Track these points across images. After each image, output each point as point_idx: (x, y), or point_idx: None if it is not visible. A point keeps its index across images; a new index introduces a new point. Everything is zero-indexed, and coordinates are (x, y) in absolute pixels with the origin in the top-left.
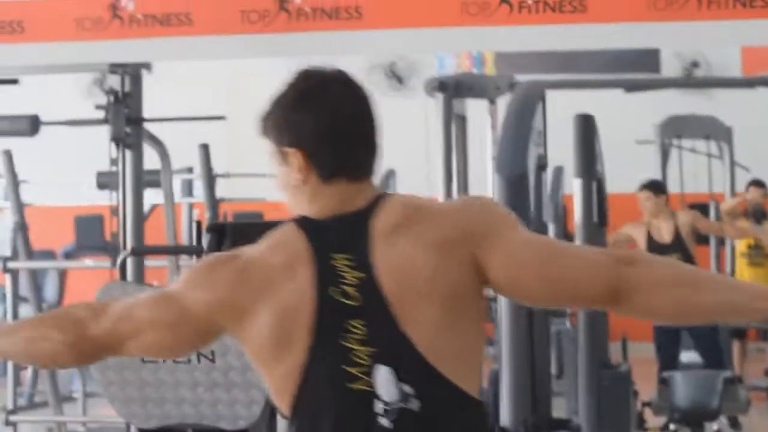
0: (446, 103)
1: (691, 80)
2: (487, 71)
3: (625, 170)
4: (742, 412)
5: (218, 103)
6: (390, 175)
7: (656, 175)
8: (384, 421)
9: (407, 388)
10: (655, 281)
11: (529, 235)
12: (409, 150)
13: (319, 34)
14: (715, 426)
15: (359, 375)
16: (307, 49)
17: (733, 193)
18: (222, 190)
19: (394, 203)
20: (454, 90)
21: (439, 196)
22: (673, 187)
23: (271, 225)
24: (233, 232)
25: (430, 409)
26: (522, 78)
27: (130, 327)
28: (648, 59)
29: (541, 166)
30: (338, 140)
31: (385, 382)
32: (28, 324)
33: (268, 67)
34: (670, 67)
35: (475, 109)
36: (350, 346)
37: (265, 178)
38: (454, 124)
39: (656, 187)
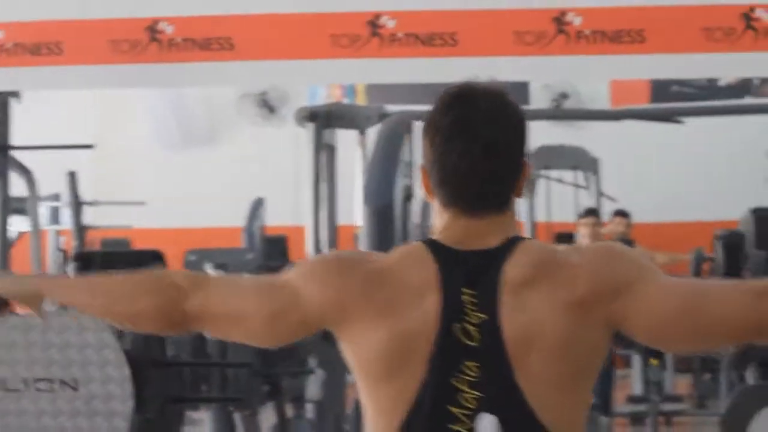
0: (316, 133)
1: (559, 112)
2: (358, 101)
3: None
4: None
5: (87, 131)
6: (259, 203)
7: (524, 204)
8: None
9: None
10: None
11: (669, 284)
12: (278, 178)
13: (190, 65)
14: None
15: (462, 418)
16: (178, 79)
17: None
18: (89, 217)
19: (529, 251)
20: (324, 120)
21: (307, 224)
22: (540, 216)
23: (138, 254)
24: (100, 260)
25: None
26: (393, 109)
27: (231, 309)
28: (517, 91)
29: (408, 197)
30: (460, 174)
31: (489, 430)
32: (117, 282)
33: (137, 97)
34: (539, 99)
35: (345, 139)
36: (460, 387)
37: (132, 206)
38: (324, 154)
39: (598, 214)
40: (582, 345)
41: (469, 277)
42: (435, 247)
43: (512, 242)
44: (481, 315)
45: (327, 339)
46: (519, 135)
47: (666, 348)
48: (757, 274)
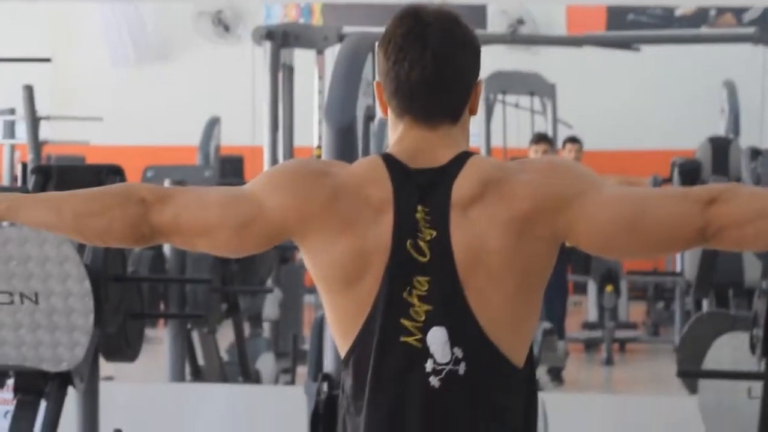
0: (273, 52)
1: (516, 36)
2: (314, 22)
3: None
4: (561, 363)
5: (43, 44)
6: (215, 122)
7: (480, 130)
8: (433, 381)
9: (458, 351)
10: (742, 218)
11: (612, 194)
12: (234, 98)
13: None
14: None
15: (413, 331)
16: None
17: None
18: (45, 132)
19: (477, 168)
20: (281, 39)
21: (265, 144)
22: (496, 142)
23: (97, 168)
24: (59, 174)
25: (476, 375)
26: (350, 29)
27: (198, 222)
28: (475, 16)
29: (370, 117)
30: (412, 82)
31: (439, 342)
32: (80, 197)
33: (92, 12)
34: (495, 24)
35: (303, 58)
36: (411, 301)
37: (88, 122)
38: (281, 74)
39: (550, 139)
40: (526, 259)
41: (422, 195)
42: (390, 163)
43: (462, 158)
44: (432, 231)
45: (284, 260)
46: (470, 51)
47: (612, 256)
48: None
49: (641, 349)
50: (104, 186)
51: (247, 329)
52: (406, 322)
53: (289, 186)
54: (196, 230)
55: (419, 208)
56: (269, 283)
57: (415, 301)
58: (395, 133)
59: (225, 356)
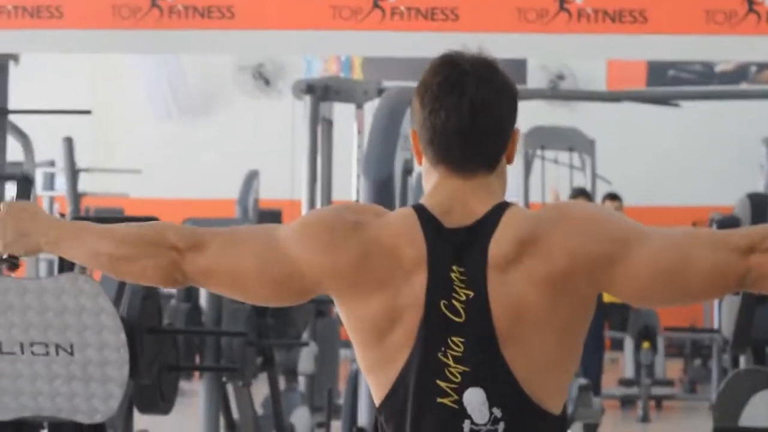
0: (313, 106)
1: (556, 92)
2: (354, 76)
3: None
4: (596, 419)
5: (84, 97)
6: (254, 176)
7: (519, 185)
8: None
9: (497, 411)
10: None
11: (651, 249)
12: (274, 152)
13: (190, 33)
14: None
15: (449, 392)
16: (177, 46)
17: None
18: (84, 184)
19: (513, 224)
20: (321, 93)
21: (303, 198)
22: (535, 197)
23: (134, 220)
24: None
25: (515, 430)
26: (389, 84)
27: (232, 275)
28: (515, 71)
29: (408, 171)
30: (448, 130)
31: (477, 403)
32: (116, 241)
33: (134, 64)
34: (535, 79)
35: (342, 113)
36: (446, 361)
37: (128, 174)
38: (321, 127)
39: (588, 194)
40: (566, 313)
41: (457, 254)
42: (424, 218)
43: (498, 211)
44: (469, 292)
45: (321, 314)
46: (507, 98)
47: (649, 306)
48: None
49: (678, 406)
50: (140, 226)
51: (282, 383)
52: (441, 383)
53: (322, 242)
54: (229, 282)
55: (454, 268)
56: (305, 336)
57: (451, 362)
58: (429, 182)
59: (260, 410)
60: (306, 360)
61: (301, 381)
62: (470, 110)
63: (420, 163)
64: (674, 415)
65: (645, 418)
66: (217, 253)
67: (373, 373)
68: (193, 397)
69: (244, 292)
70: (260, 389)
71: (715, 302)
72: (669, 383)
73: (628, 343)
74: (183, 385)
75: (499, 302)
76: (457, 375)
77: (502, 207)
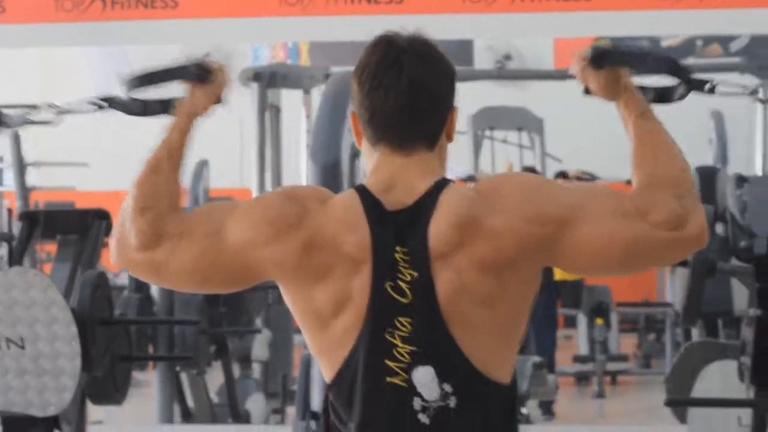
0: (261, 93)
1: (503, 72)
2: (302, 62)
3: None
4: (551, 396)
5: (30, 91)
6: (203, 165)
7: (469, 165)
8: (423, 418)
9: (447, 387)
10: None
11: (585, 224)
12: (222, 140)
13: (134, 23)
14: (525, 410)
15: (398, 371)
16: (122, 38)
17: None
18: (32, 178)
19: (451, 207)
20: (268, 80)
21: (253, 186)
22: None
23: (83, 213)
24: (45, 219)
25: (467, 405)
26: (337, 69)
27: (178, 271)
28: (461, 53)
29: (355, 155)
30: (387, 108)
31: (426, 381)
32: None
33: (81, 57)
34: (483, 60)
35: (290, 99)
36: (394, 341)
37: (75, 169)
38: (269, 114)
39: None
40: (511, 294)
41: (400, 235)
42: (367, 201)
43: (436, 190)
44: (413, 272)
45: (273, 302)
46: (445, 76)
47: (594, 276)
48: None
49: (633, 381)
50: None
51: (236, 370)
52: (390, 363)
53: (265, 235)
54: (176, 280)
55: (398, 249)
56: (258, 323)
57: (398, 342)
58: (370, 162)
59: (215, 398)
60: (260, 347)
61: (256, 368)
62: (409, 88)
63: (360, 144)
64: (629, 390)
65: (600, 394)
66: (170, 249)
67: (323, 356)
68: (148, 387)
69: (193, 281)
70: (215, 377)
71: (668, 276)
72: (623, 358)
73: (582, 319)
74: (138, 375)
75: (444, 282)
76: (406, 354)
77: (441, 185)
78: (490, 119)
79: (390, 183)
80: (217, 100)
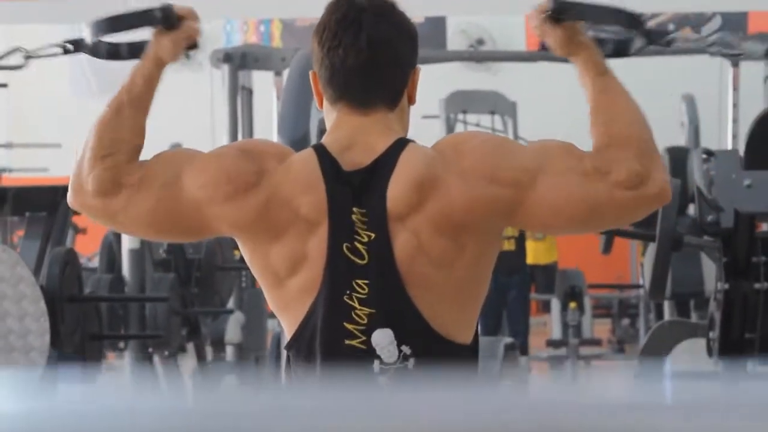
0: (232, 75)
1: (475, 54)
2: (274, 45)
3: None
4: (523, 378)
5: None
6: (175, 147)
7: None
8: (382, 380)
9: (406, 349)
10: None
11: (544, 186)
12: (194, 122)
13: (101, 1)
14: None
15: (357, 333)
16: (88, 15)
17: None
18: (2, 160)
19: (410, 166)
20: (240, 61)
21: None
22: None
23: (53, 190)
24: (14, 196)
25: (426, 365)
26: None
27: (135, 218)
28: (434, 36)
29: (323, 130)
30: (347, 67)
31: (385, 343)
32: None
33: (53, 36)
34: (456, 44)
35: (261, 81)
36: (352, 304)
37: (48, 150)
38: (240, 96)
39: None
40: (470, 255)
41: (357, 196)
42: (324, 160)
43: (396, 149)
44: (371, 233)
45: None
46: (406, 35)
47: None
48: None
49: (607, 366)
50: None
51: (209, 354)
52: (348, 326)
53: (223, 192)
54: (129, 224)
55: (355, 209)
56: (231, 305)
57: (356, 304)
58: (330, 121)
59: (188, 381)
60: (233, 329)
61: (229, 351)
62: (368, 46)
63: (320, 105)
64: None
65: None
66: (127, 198)
67: (281, 314)
68: (122, 371)
69: (147, 226)
70: (188, 362)
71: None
72: (597, 343)
73: (555, 304)
74: (113, 361)
75: (402, 243)
76: (364, 317)
77: (400, 144)
78: (462, 103)
79: (348, 142)
80: (192, 47)
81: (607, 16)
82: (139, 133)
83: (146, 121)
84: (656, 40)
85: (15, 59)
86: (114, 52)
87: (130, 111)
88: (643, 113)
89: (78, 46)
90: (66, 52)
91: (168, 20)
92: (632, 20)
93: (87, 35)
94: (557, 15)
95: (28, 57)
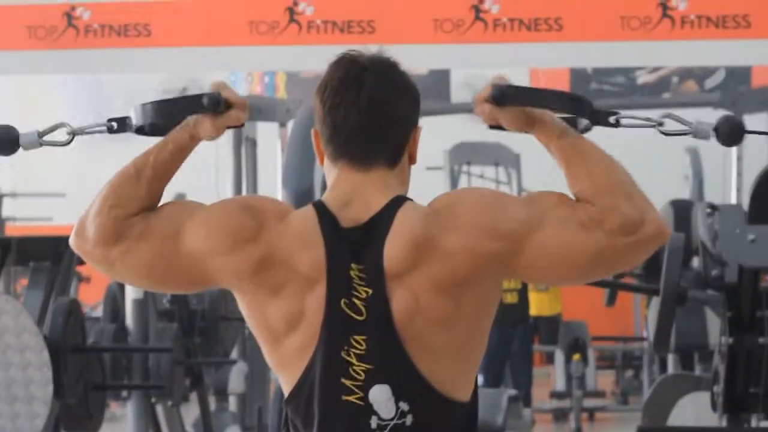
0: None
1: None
2: (278, 95)
3: (415, 196)
4: (526, 430)
5: (4, 120)
6: (179, 198)
7: None
8: None
9: (404, 405)
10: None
11: (541, 239)
12: (198, 172)
13: (107, 51)
14: None
15: (354, 389)
16: (95, 66)
17: None
18: (8, 209)
19: (406, 225)
20: None
21: None
22: None
23: (56, 240)
24: (18, 246)
25: (423, 423)
26: None
27: (135, 268)
28: (438, 87)
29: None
30: (348, 126)
31: (383, 400)
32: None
33: (56, 85)
34: (460, 96)
35: (266, 132)
36: (350, 360)
37: (52, 201)
38: (244, 147)
39: None
40: (468, 312)
41: (355, 252)
42: (323, 217)
43: (393, 207)
44: (368, 289)
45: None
46: (407, 95)
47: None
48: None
49: (610, 417)
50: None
51: (213, 403)
52: (346, 382)
53: (223, 245)
54: (140, 271)
55: (353, 266)
56: (234, 355)
57: (354, 360)
58: (330, 178)
59: (191, 430)
60: (236, 379)
61: (232, 401)
62: (369, 105)
63: (322, 163)
64: (607, 426)
65: (578, 431)
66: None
67: (279, 371)
68: (125, 422)
69: (149, 279)
70: (191, 411)
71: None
72: (601, 395)
73: (559, 355)
74: (115, 410)
75: (399, 301)
76: (361, 373)
77: (397, 202)
78: (466, 154)
79: (347, 199)
80: (237, 125)
81: (550, 100)
82: (155, 197)
83: (165, 188)
84: (601, 121)
85: (60, 135)
86: (157, 130)
87: (153, 174)
88: (615, 160)
89: (122, 125)
90: (110, 131)
91: (215, 108)
92: (575, 104)
93: (134, 117)
94: (499, 102)
95: (72, 133)
